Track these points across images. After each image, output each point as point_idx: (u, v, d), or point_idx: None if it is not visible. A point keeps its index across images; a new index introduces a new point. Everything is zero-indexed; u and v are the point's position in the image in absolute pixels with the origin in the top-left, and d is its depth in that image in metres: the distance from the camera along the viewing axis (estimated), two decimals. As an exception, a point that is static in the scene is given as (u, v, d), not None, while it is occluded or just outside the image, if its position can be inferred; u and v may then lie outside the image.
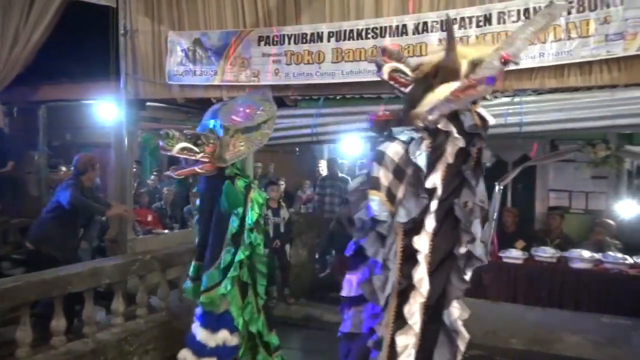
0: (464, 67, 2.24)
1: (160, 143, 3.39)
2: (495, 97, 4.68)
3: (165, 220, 7.68)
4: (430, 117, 2.19)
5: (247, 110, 3.75)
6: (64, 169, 7.45)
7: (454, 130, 2.21)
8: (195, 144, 3.43)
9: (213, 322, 3.56)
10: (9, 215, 6.32)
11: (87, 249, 6.25)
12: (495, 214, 5.26)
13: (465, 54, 2.30)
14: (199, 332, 3.59)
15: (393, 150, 2.17)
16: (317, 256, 7.44)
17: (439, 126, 2.19)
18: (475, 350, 4.80)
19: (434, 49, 2.50)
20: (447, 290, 2.26)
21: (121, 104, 6.10)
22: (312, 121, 5.15)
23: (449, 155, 2.23)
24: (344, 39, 5.16)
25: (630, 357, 4.70)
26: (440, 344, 2.29)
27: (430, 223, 2.19)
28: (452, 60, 2.21)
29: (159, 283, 4.95)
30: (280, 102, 5.61)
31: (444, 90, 2.21)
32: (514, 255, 5.74)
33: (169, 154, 3.44)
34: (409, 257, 2.21)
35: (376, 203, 2.10)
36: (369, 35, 5.07)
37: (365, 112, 5.05)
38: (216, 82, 5.71)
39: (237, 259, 3.49)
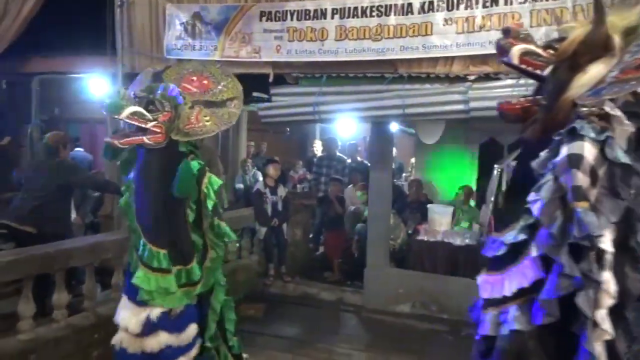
0: (617, 40, 1.95)
1: (106, 103, 2.94)
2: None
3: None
4: (597, 101, 1.89)
5: (204, 82, 3.38)
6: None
7: (622, 114, 1.89)
8: (147, 109, 2.96)
9: (177, 322, 3.06)
10: (1, 190, 6.19)
11: (80, 224, 6.18)
12: (492, 197, 5.27)
13: (612, 24, 1.98)
14: (165, 339, 3.02)
15: (589, 151, 1.83)
16: (311, 235, 7.46)
17: (607, 110, 1.87)
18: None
19: (567, 25, 2.06)
20: (628, 286, 1.88)
21: (117, 78, 5.99)
22: (314, 99, 5.10)
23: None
24: (348, 17, 5.11)
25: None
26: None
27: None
28: (603, 33, 1.92)
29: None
30: (282, 80, 5.58)
31: (599, 70, 1.93)
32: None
33: (115, 117, 2.96)
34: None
35: (589, 217, 1.77)
36: (374, 13, 5.03)
37: (367, 92, 5.09)
38: (216, 57, 5.62)
39: (215, 257, 3.16)
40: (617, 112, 1.87)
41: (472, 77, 4.74)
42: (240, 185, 8.65)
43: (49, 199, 4.48)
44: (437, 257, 5.62)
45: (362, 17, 5.06)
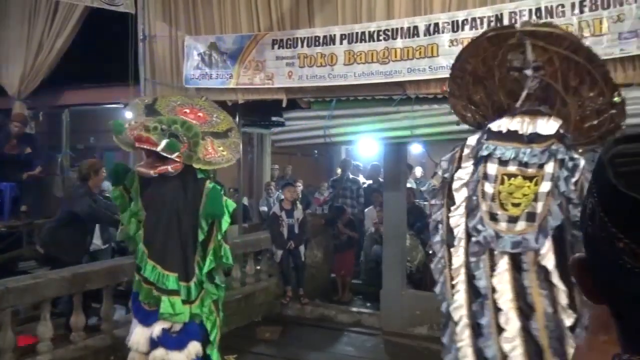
0: None
1: (144, 134, 3.07)
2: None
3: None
4: None
5: (199, 114, 3.53)
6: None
7: None
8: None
9: (177, 339, 3.21)
10: (34, 216, 6.53)
11: (106, 248, 6.41)
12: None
13: None
14: (163, 354, 3.18)
15: None
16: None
17: None
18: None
19: None
20: None
21: (140, 107, 6.27)
22: (324, 123, 5.20)
23: None
24: (356, 41, 5.22)
25: None
26: None
27: None
28: None
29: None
30: (295, 104, 5.71)
31: None
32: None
33: (154, 149, 3.07)
34: None
35: None
36: (381, 37, 5.11)
37: (376, 114, 5.16)
38: (231, 85, 5.83)
39: (217, 278, 3.39)
40: None
41: (479, 97, 4.72)
42: (264, 208, 8.79)
43: (61, 224, 4.75)
44: (453, 278, 5.52)
45: (369, 41, 5.15)
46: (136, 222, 3.39)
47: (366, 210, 7.58)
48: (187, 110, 3.50)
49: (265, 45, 5.65)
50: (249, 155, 9.55)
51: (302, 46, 5.46)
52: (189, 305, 3.19)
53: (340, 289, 6.76)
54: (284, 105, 5.67)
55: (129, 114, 5.98)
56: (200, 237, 3.25)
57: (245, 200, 8.77)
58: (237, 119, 7.48)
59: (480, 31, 4.67)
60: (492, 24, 4.65)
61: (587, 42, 4.27)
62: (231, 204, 3.37)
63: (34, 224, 6.57)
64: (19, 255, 6.26)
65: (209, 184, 3.29)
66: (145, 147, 3.12)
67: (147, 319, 3.25)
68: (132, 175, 3.39)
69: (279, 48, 5.59)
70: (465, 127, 4.67)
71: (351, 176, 8.36)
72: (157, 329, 3.17)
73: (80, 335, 4.10)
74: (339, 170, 10.72)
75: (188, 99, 3.79)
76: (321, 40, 5.37)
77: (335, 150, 11.74)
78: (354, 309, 6.14)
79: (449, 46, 4.83)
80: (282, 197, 7.58)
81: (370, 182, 8.46)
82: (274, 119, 7.18)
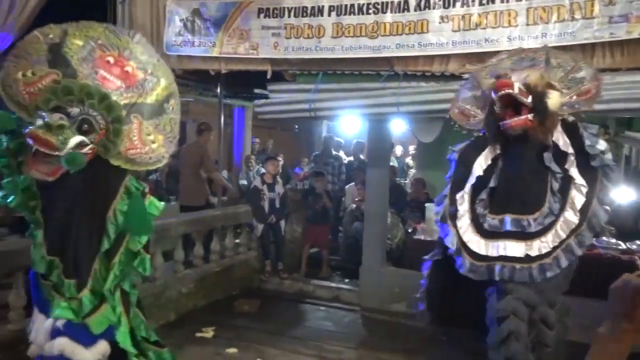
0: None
1: (41, 135, 2.21)
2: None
3: (160, 192, 7.68)
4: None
5: (127, 69, 2.51)
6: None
7: None
8: (81, 130, 2.35)
9: (86, 334, 2.48)
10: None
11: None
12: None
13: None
14: (66, 346, 2.44)
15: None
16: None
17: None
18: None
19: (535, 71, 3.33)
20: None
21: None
22: (310, 96, 5.10)
23: None
24: (345, 14, 5.08)
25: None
26: None
27: None
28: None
29: (154, 254, 4.96)
30: (279, 77, 5.58)
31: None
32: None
33: (54, 154, 2.26)
34: None
35: None
36: (370, 11, 4.99)
37: (363, 89, 5.08)
38: (214, 54, 5.64)
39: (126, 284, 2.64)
40: None
41: (467, 76, 4.68)
42: (244, 182, 8.70)
43: None
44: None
45: (358, 14, 5.03)
46: (35, 227, 2.53)
47: (347, 187, 7.55)
48: (111, 60, 2.49)
49: (250, 14, 5.46)
50: (228, 128, 9.39)
51: (289, 16, 5.30)
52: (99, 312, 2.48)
53: (303, 263, 6.58)
54: (268, 76, 5.53)
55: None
56: (105, 245, 2.46)
57: (224, 174, 8.65)
58: (218, 89, 7.35)
59: (471, 9, 4.64)
60: (484, 2, 4.59)
61: (577, 25, 4.30)
62: (158, 206, 2.64)
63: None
64: None
65: (128, 183, 2.51)
66: (41, 149, 2.26)
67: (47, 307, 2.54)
68: (21, 144, 2.42)
69: (264, 17, 5.42)
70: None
71: (334, 152, 8.31)
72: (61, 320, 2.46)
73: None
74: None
75: (114, 36, 2.56)
76: (309, 11, 5.22)
77: (316, 126, 11.65)
78: (333, 285, 6.16)
79: (439, 23, 4.75)
80: (263, 170, 7.50)
81: (351, 159, 8.43)
82: (256, 91, 7.03)
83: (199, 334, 4.64)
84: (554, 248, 3.03)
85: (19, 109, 2.42)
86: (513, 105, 3.08)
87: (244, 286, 6.00)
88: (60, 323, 2.46)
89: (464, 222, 3.26)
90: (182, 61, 5.87)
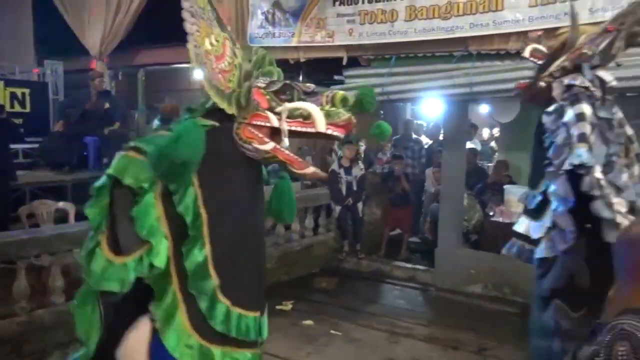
0: (581, 39, 2.74)
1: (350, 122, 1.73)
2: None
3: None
4: (546, 76, 2.70)
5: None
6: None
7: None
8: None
9: None
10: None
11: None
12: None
13: (585, 30, 2.83)
14: None
15: (587, 110, 2.50)
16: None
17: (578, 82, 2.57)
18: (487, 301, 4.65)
19: (564, 30, 2.93)
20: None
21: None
22: (383, 80, 5.21)
23: None
24: (418, -4, 5.12)
25: None
26: None
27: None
28: (573, 37, 2.74)
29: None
30: (355, 62, 5.73)
31: (562, 57, 2.72)
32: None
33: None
34: None
35: (586, 153, 2.40)
36: (443, -8, 4.98)
37: (435, 71, 5.09)
38: (293, 44, 5.93)
39: None
40: (587, 84, 2.57)
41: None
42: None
43: None
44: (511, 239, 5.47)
45: (431, -4, 5.04)
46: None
47: (427, 170, 7.55)
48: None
49: (326, 3, 5.67)
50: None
51: (362, 3, 5.44)
52: None
53: (383, 245, 6.77)
54: (344, 63, 5.71)
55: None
56: None
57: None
58: (300, 77, 7.65)
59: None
60: (562, -27, 4.40)
61: None
62: None
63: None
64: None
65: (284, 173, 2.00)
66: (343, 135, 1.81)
67: None
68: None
69: (340, 5, 5.60)
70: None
71: (414, 136, 8.30)
72: None
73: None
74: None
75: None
76: (382, -4, 5.32)
77: (401, 110, 11.63)
78: (409, 266, 6.25)
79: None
80: (342, 154, 7.71)
81: (431, 142, 8.38)
82: (335, 77, 7.23)
83: (279, 307, 4.97)
84: None
85: (221, 100, 1.71)
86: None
87: (323, 265, 6.29)
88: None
89: None
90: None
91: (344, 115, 1.75)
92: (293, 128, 1.78)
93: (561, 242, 2.54)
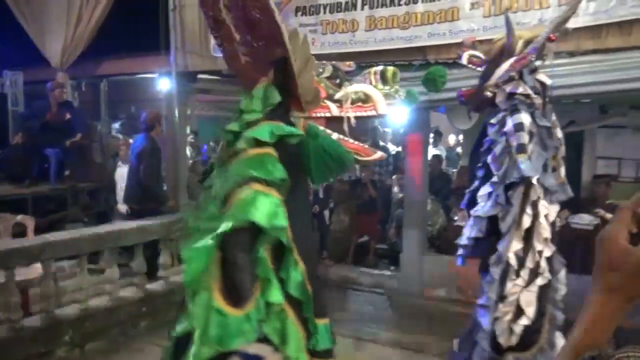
0: (519, 45, 2.77)
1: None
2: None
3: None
4: (491, 86, 2.76)
5: None
6: (120, 136, 8.10)
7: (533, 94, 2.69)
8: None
9: None
10: (77, 180, 6.97)
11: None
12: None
13: (522, 35, 2.82)
14: None
15: (526, 119, 2.56)
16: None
17: (530, 93, 2.65)
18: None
19: (500, 37, 2.94)
20: None
21: (171, 76, 6.51)
22: (345, 89, 5.27)
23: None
24: (377, 7, 5.22)
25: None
26: None
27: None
28: (512, 43, 2.78)
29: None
30: (318, 72, 5.79)
31: (506, 65, 2.74)
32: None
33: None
34: None
35: (526, 164, 2.48)
36: (402, 2, 5.10)
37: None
38: (257, 53, 5.94)
39: None
40: (530, 92, 2.67)
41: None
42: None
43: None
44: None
45: (390, 6, 5.15)
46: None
47: (394, 177, 7.66)
48: None
49: (288, 13, 5.70)
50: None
51: (324, 13, 5.51)
52: None
53: (351, 252, 6.83)
54: (307, 72, 5.76)
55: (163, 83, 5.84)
56: None
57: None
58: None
59: (501, -6, 4.63)
60: (514, -15, 4.57)
61: (612, 2, 4.18)
62: None
63: (77, 187, 7.04)
64: (64, 216, 6.75)
65: None
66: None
67: None
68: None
69: (302, 15, 5.66)
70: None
71: (381, 143, 8.41)
72: None
73: (113, 287, 4.45)
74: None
75: None
76: (343, 6, 5.40)
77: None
78: (376, 272, 6.32)
79: (470, 9, 4.79)
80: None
81: (400, 149, 8.51)
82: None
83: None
84: None
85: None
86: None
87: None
88: None
89: None
90: (227, 61, 6.22)
91: (402, 93, 1.75)
92: (357, 114, 1.67)
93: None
